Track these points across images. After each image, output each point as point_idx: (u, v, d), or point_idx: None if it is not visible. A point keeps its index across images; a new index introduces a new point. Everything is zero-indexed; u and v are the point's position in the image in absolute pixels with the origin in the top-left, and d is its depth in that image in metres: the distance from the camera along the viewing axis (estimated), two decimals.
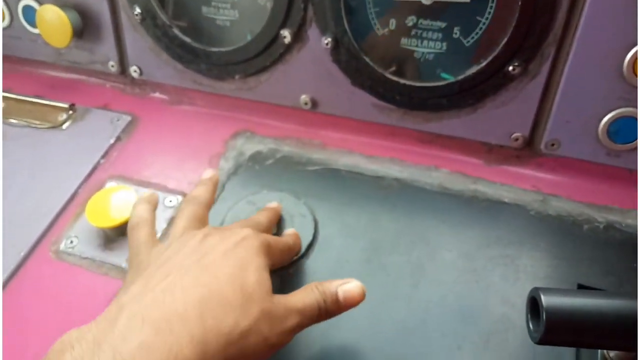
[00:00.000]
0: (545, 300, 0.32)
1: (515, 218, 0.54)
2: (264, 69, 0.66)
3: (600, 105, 0.54)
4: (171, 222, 0.57)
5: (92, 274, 0.54)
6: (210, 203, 0.51)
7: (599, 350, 0.42)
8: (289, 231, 0.53)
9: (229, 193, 0.60)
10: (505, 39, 0.55)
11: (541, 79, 0.56)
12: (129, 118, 0.71)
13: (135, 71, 0.73)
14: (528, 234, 0.53)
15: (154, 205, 0.51)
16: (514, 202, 0.56)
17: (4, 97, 0.74)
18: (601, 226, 0.53)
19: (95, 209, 0.55)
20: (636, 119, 0.54)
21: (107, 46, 0.73)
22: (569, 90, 0.55)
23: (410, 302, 0.48)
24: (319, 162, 0.63)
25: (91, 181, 0.63)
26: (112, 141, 0.67)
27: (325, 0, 0.59)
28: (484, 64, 0.57)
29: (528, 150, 0.61)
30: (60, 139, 0.68)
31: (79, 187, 0.62)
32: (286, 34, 0.62)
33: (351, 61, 0.62)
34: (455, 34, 0.57)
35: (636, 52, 0.50)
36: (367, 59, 0.61)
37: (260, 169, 0.62)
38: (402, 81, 0.60)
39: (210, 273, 0.38)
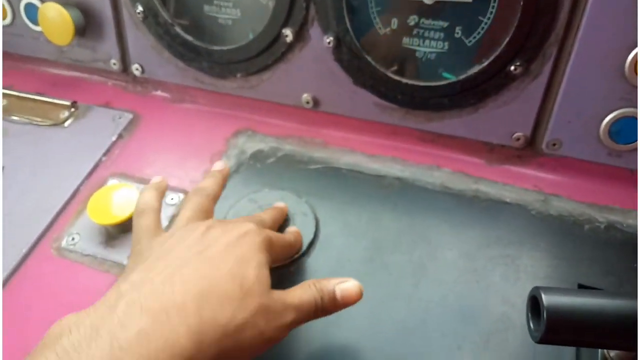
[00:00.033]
0: (546, 299, 0.32)
1: (516, 218, 0.55)
2: (265, 68, 0.66)
3: (601, 106, 0.54)
4: (173, 219, 0.57)
5: (94, 271, 0.54)
6: (217, 196, 0.50)
7: (599, 350, 0.42)
8: (290, 229, 0.53)
9: (231, 191, 0.60)
10: (507, 39, 0.55)
11: (543, 78, 0.56)
12: (130, 116, 0.71)
13: (137, 69, 0.74)
14: (529, 234, 0.53)
15: (162, 193, 0.51)
16: (515, 202, 0.56)
17: (7, 95, 0.74)
18: (602, 226, 0.53)
19: (97, 206, 0.55)
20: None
21: (109, 44, 0.73)
22: (570, 90, 0.55)
23: (410, 302, 0.48)
24: (321, 161, 0.63)
25: (93, 179, 0.63)
26: (113, 139, 0.68)
27: None
28: (485, 63, 0.57)
29: (529, 150, 0.61)
30: (62, 136, 0.69)
31: (81, 184, 0.62)
32: (288, 33, 0.62)
33: (353, 60, 0.62)
34: (457, 33, 0.57)
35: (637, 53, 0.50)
36: (368, 58, 0.61)
37: (261, 167, 0.62)
38: (404, 80, 0.61)
39: (211, 266, 0.39)
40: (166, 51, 0.70)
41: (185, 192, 0.60)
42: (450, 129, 0.62)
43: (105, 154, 0.66)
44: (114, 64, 0.74)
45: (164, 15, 0.67)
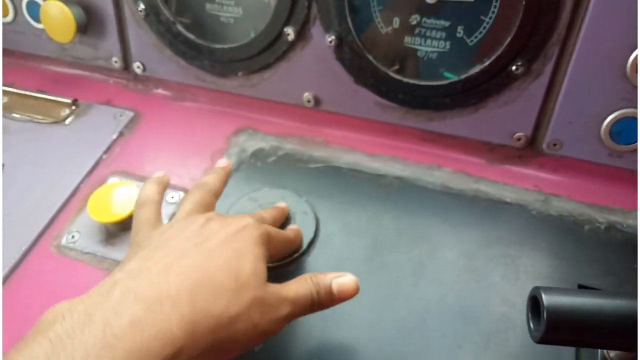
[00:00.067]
0: (546, 299, 0.32)
1: (516, 218, 0.55)
2: (267, 67, 0.66)
3: (603, 106, 0.54)
4: (172, 218, 0.57)
5: (94, 269, 0.54)
6: (219, 192, 0.50)
7: (599, 350, 0.42)
8: (291, 226, 0.53)
9: (231, 189, 0.59)
10: (509, 39, 0.55)
11: (544, 78, 0.56)
12: (131, 114, 0.71)
13: (138, 67, 0.74)
14: (529, 234, 0.53)
15: (164, 187, 0.51)
16: (515, 202, 0.56)
17: (8, 92, 0.74)
18: (602, 227, 0.53)
19: (97, 204, 0.55)
20: None
21: (111, 42, 0.73)
22: (572, 90, 0.55)
23: (410, 301, 0.48)
24: (321, 160, 0.63)
25: (93, 176, 0.63)
26: (114, 137, 0.68)
27: None
28: (487, 63, 0.57)
29: (530, 150, 0.60)
30: (63, 134, 0.69)
31: (81, 182, 0.62)
32: (290, 32, 0.62)
33: (354, 59, 0.62)
34: (459, 33, 0.57)
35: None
36: (370, 57, 0.61)
37: (262, 166, 0.62)
38: (405, 80, 0.61)
39: (207, 258, 0.39)
40: (168, 49, 0.70)
41: (185, 190, 0.60)
42: (451, 128, 0.62)
43: (106, 152, 0.66)
44: (116, 61, 0.74)
45: (166, 13, 0.67)
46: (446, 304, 0.48)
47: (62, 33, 0.70)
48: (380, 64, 0.61)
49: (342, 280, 0.43)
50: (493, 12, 0.55)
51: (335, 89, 0.65)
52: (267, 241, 0.43)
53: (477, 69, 0.57)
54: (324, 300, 0.42)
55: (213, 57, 0.68)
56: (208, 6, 0.66)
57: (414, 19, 0.58)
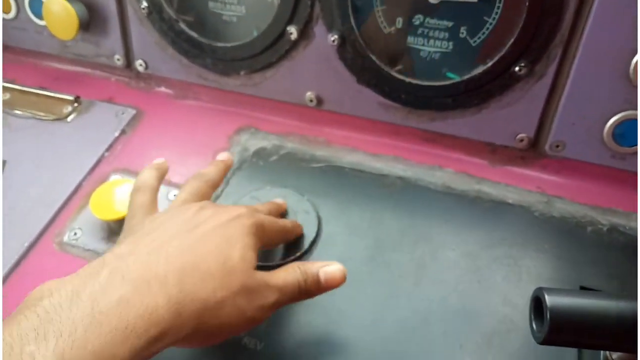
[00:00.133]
0: (549, 300, 0.32)
1: (518, 219, 0.54)
2: (269, 65, 0.66)
3: (606, 108, 0.54)
4: None
5: None
6: (217, 183, 0.51)
7: (602, 352, 0.42)
8: (290, 219, 0.53)
9: (233, 188, 0.60)
10: (512, 40, 0.54)
11: (547, 80, 0.56)
12: (133, 112, 0.71)
13: (140, 65, 0.73)
14: (531, 235, 0.53)
15: (162, 173, 0.51)
16: (517, 203, 0.56)
17: (10, 89, 0.74)
18: (605, 229, 0.53)
19: (99, 202, 0.55)
20: None
21: (113, 39, 0.73)
22: (574, 91, 0.55)
23: (412, 301, 0.48)
24: (323, 159, 0.63)
25: (95, 174, 0.63)
26: (116, 134, 0.68)
27: None
28: (490, 64, 0.56)
29: (533, 151, 0.60)
30: (65, 131, 0.69)
31: (83, 179, 0.62)
32: (292, 31, 0.62)
33: (357, 59, 0.62)
34: (462, 33, 0.57)
35: None
36: (373, 57, 0.61)
37: (264, 165, 0.62)
38: (408, 80, 0.60)
39: (197, 243, 0.39)
40: (170, 47, 0.70)
41: None
42: (453, 129, 0.62)
43: (108, 150, 0.66)
44: (118, 59, 0.74)
45: (169, 11, 0.67)
46: (448, 304, 0.48)
47: (65, 30, 0.70)
48: (382, 64, 0.61)
49: (329, 269, 0.43)
50: (496, 12, 0.55)
51: (338, 88, 0.64)
52: (260, 231, 0.44)
53: (479, 69, 0.57)
54: (312, 289, 0.43)
55: (215, 55, 0.68)
56: (211, 4, 0.66)
57: (417, 19, 0.58)
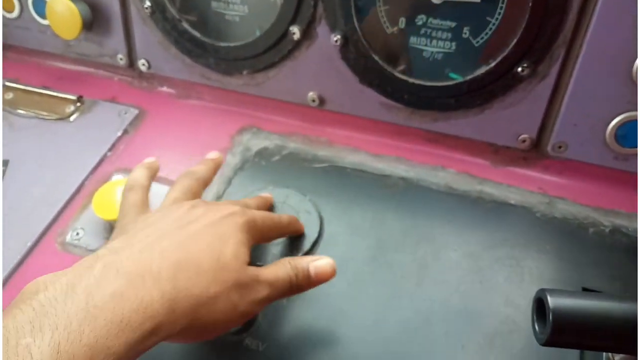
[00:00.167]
0: (552, 301, 0.32)
1: (520, 220, 0.54)
2: (272, 65, 0.66)
3: (608, 109, 0.54)
4: None
5: None
6: (207, 181, 0.51)
7: (604, 353, 0.42)
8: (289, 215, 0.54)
9: (235, 188, 0.60)
10: (515, 40, 0.54)
11: (550, 80, 0.56)
12: (136, 111, 0.71)
13: (143, 64, 0.74)
14: (533, 236, 0.53)
15: (153, 172, 0.52)
16: (519, 204, 0.56)
17: (13, 88, 0.74)
18: (607, 230, 0.53)
19: (101, 202, 0.55)
20: None
21: (116, 39, 0.73)
22: (577, 92, 0.55)
23: (414, 301, 0.48)
24: (325, 160, 0.63)
25: (98, 173, 0.63)
26: (119, 134, 0.68)
27: None
28: (492, 64, 0.56)
29: (535, 152, 0.60)
30: (68, 130, 0.69)
31: (86, 179, 0.62)
32: (295, 31, 0.62)
33: (360, 59, 0.62)
34: (465, 33, 0.57)
35: None
36: (375, 57, 0.61)
37: (266, 164, 0.62)
38: (411, 80, 0.60)
39: (190, 240, 0.40)
40: (173, 47, 0.70)
41: None
42: (455, 129, 0.62)
43: (110, 149, 0.66)
44: (121, 59, 0.74)
45: (172, 10, 0.67)
46: (450, 305, 0.48)
47: (68, 30, 0.70)
48: (385, 64, 0.61)
49: (319, 263, 0.44)
50: (499, 13, 0.55)
51: (340, 88, 0.64)
52: (253, 228, 0.44)
53: (482, 70, 0.57)
54: (302, 283, 0.43)
55: (218, 55, 0.68)
56: (214, 4, 0.66)
57: (420, 19, 0.58)
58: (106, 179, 0.62)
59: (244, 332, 0.47)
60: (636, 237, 0.52)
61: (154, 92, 0.75)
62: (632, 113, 0.54)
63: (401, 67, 0.61)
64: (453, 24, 0.57)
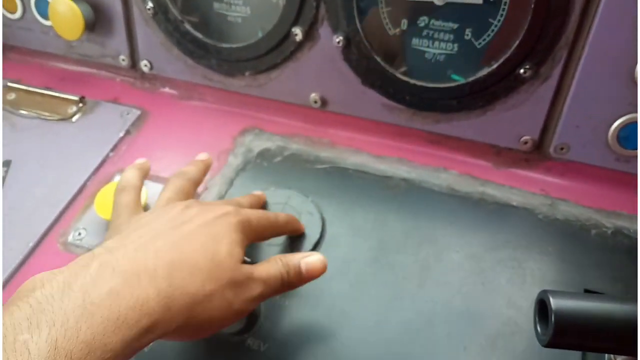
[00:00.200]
0: (554, 303, 0.32)
1: (522, 221, 0.54)
2: (274, 67, 0.67)
3: (610, 110, 0.54)
4: None
5: None
6: (199, 181, 0.52)
7: (606, 355, 0.42)
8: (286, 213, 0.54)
9: (237, 189, 0.60)
10: (517, 42, 0.54)
11: (552, 82, 0.56)
12: (138, 112, 0.71)
13: (145, 65, 0.74)
14: (535, 238, 0.53)
15: (145, 173, 0.52)
16: (522, 206, 0.56)
17: (15, 89, 0.74)
18: (609, 231, 0.53)
19: (103, 202, 0.55)
20: None
21: (119, 40, 0.73)
22: (579, 94, 0.55)
23: (416, 302, 0.48)
24: (327, 161, 0.63)
25: (100, 174, 0.63)
26: (121, 135, 0.68)
27: None
28: (495, 66, 0.56)
29: (537, 153, 0.60)
30: (70, 131, 0.69)
31: (88, 179, 0.63)
32: (297, 32, 0.62)
33: (362, 60, 0.62)
34: (467, 35, 0.57)
35: None
36: (378, 59, 0.61)
37: (268, 166, 0.62)
38: (413, 81, 0.60)
39: (184, 241, 0.40)
40: (175, 48, 0.71)
41: None
42: (458, 131, 0.62)
43: (112, 150, 0.66)
44: (123, 60, 0.74)
45: (174, 11, 0.68)
46: (452, 306, 0.48)
47: (70, 30, 0.70)
48: (387, 66, 0.61)
49: (310, 260, 0.44)
50: (501, 14, 0.55)
51: (342, 89, 0.65)
52: (247, 228, 0.44)
53: (484, 71, 0.57)
54: (294, 280, 0.44)
55: (220, 56, 0.68)
56: (216, 5, 0.66)
57: (422, 20, 0.58)
58: (108, 179, 0.62)
59: (246, 333, 0.47)
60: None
61: (156, 93, 0.75)
62: (634, 115, 0.54)
63: (403, 69, 0.61)
64: (455, 26, 0.57)
